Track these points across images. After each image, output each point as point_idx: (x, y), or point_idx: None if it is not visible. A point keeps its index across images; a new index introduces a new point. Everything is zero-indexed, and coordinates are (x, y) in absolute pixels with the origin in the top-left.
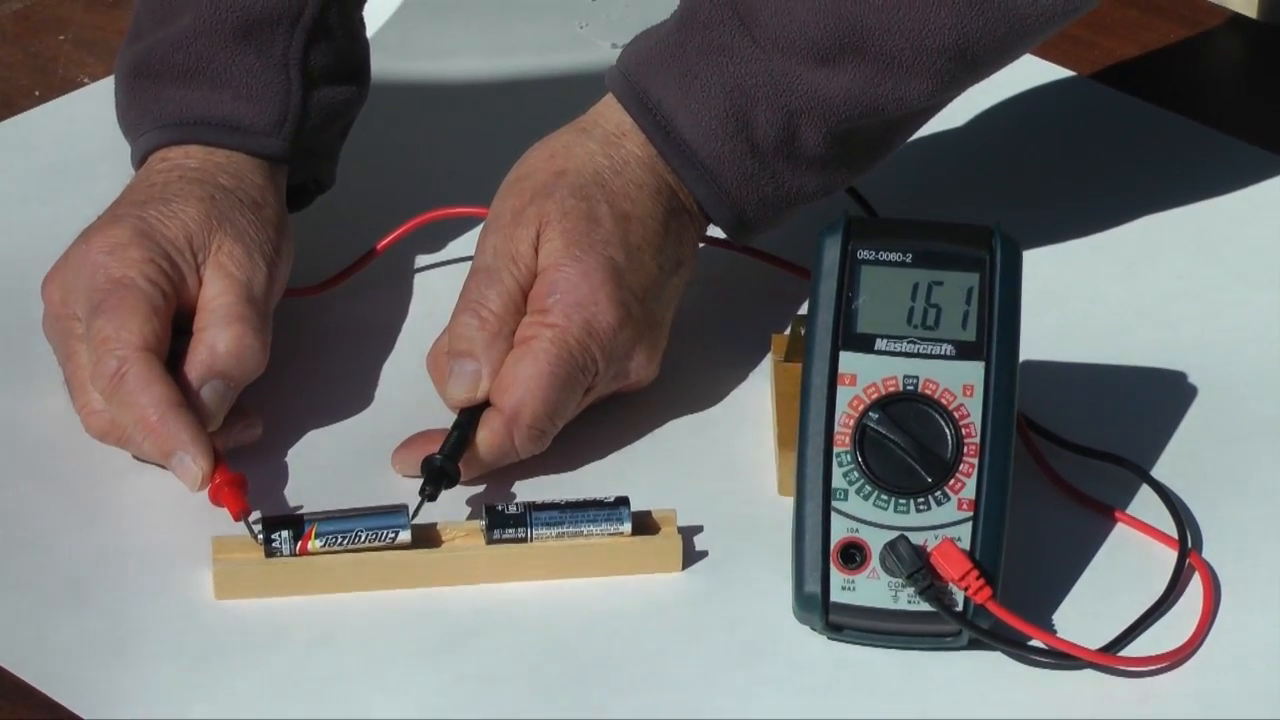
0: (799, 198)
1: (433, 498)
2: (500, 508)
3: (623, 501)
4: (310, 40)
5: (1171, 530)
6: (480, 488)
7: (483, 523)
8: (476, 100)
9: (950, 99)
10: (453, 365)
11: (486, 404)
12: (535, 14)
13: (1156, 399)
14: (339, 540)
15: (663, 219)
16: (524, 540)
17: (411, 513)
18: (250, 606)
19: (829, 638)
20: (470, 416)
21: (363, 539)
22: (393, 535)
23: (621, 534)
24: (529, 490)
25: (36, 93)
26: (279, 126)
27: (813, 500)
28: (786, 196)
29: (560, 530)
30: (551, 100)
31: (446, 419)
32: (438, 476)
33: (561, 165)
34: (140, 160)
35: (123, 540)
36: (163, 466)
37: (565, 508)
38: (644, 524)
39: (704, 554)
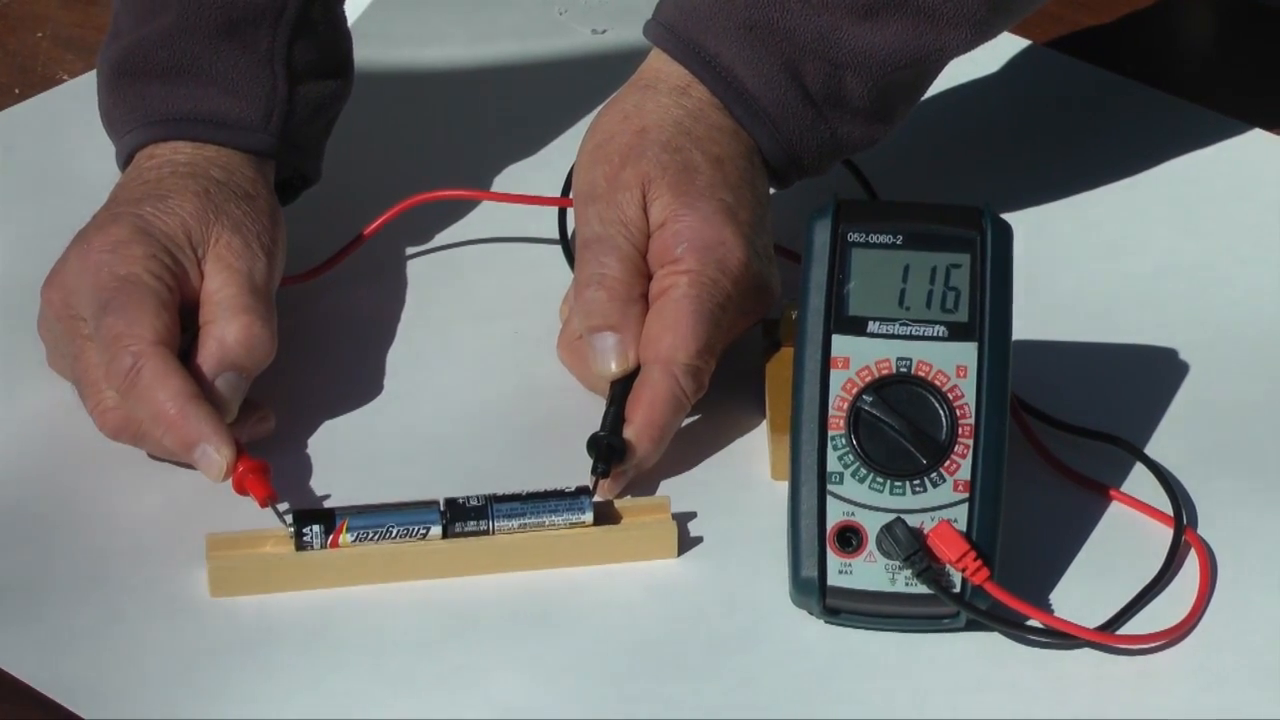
0: (846, 147)
1: (605, 474)
2: (461, 501)
3: (583, 491)
4: (294, 35)
5: (1167, 507)
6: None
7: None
8: (457, 87)
9: (981, 44)
10: (592, 341)
11: (635, 374)
12: (514, 0)
13: (1148, 376)
14: (370, 535)
15: (746, 157)
16: (486, 533)
17: (591, 490)
18: (245, 604)
19: (826, 621)
20: (624, 388)
21: (394, 534)
22: (424, 530)
23: (583, 524)
24: (530, 475)
25: (16, 90)
26: (266, 121)
27: (808, 484)
28: (838, 146)
29: (522, 522)
30: (532, 86)
31: (447, 405)
32: (608, 453)
33: (640, 124)
34: (126, 158)
35: (116, 539)
36: (177, 463)
37: (526, 499)
38: (637, 510)
39: (699, 540)
